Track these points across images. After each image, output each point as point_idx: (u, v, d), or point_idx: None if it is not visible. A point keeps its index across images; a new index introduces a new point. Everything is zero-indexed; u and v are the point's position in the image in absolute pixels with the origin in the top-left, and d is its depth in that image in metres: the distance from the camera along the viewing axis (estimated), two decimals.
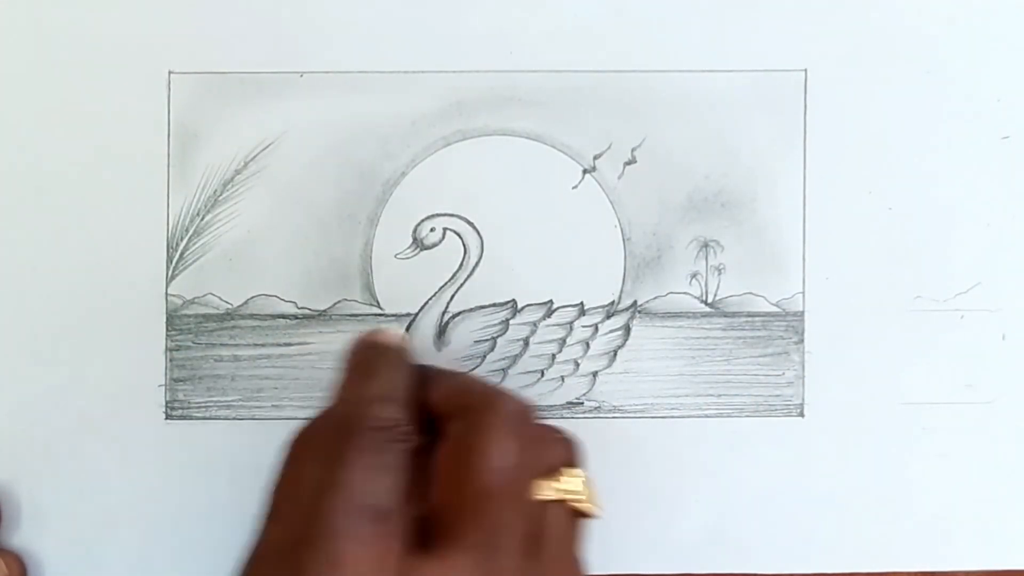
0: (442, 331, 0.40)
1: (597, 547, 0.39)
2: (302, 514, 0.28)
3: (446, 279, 0.40)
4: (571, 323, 0.40)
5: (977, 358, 0.40)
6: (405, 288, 0.40)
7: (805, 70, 0.40)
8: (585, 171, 0.40)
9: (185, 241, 0.39)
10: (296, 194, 0.40)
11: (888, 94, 0.40)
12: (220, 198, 0.39)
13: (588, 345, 0.40)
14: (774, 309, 0.40)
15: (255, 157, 0.39)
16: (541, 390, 0.40)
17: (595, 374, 0.40)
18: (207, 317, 0.39)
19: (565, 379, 0.40)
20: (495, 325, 0.40)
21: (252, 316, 0.39)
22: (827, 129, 0.40)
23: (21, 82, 0.39)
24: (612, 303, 0.40)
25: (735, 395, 0.40)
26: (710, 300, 0.40)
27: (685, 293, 0.40)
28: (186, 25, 0.39)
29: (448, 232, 0.40)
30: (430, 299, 0.39)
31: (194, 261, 0.39)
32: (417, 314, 0.40)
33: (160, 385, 0.39)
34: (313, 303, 0.39)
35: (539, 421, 0.33)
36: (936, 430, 0.40)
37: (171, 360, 0.39)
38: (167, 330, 0.39)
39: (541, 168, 0.40)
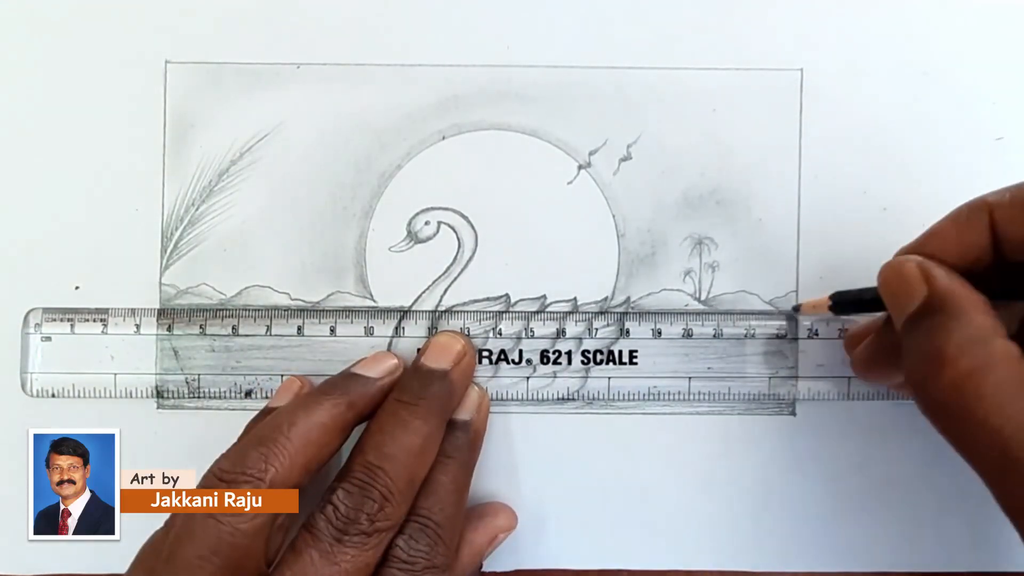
0: (435, 324, 0.39)
1: (589, 542, 0.40)
2: None
3: (440, 272, 0.40)
4: (564, 318, 0.40)
5: None
6: (399, 281, 0.40)
7: (801, 69, 0.40)
8: (580, 167, 0.40)
9: (180, 231, 0.39)
10: (291, 185, 0.40)
11: (884, 94, 0.40)
12: (215, 188, 0.39)
13: (581, 341, 0.39)
14: (767, 307, 0.40)
15: (250, 148, 0.39)
16: (534, 385, 0.39)
17: (588, 369, 0.39)
18: (200, 307, 0.39)
19: (558, 374, 0.40)
20: (488, 319, 0.39)
21: (245, 307, 0.39)
22: (822, 128, 0.40)
23: (18, 71, 0.39)
24: (605, 299, 0.40)
25: (727, 392, 0.39)
26: (703, 297, 0.40)
27: (679, 290, 0.40)
28: (183, 15, 0.40)
29: (442, 226, 0.40)
30: (423, 292, 0.39)
31: (188, 251, 0.39)
32: (410, 307, 0.39)
33: (152, 374, 0.39)
34: (307, 295, 0.39)
35: None
36: (929, 429, 0.39)
37: (163, 350, 0.39)
38: (159, 319, 0.39)
39: (536, 163, 0.40)
